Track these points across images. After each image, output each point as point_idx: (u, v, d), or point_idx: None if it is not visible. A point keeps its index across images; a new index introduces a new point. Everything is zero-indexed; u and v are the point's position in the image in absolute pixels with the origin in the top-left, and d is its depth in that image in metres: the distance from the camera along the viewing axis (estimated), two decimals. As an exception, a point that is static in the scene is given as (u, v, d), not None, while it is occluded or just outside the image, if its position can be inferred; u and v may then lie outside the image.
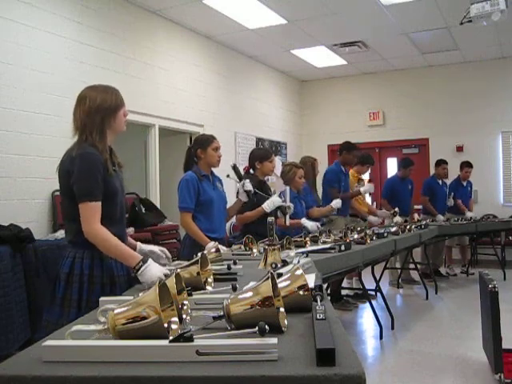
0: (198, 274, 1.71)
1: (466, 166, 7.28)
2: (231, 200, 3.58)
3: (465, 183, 7.38)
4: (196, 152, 3.30)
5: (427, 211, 7.00)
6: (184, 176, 3.25)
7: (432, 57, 8.08)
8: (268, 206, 3.61)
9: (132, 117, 5.20)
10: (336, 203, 4.83)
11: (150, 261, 1.95)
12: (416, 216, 6.49)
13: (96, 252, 2.01)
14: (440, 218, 6.83)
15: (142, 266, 1.91)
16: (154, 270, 1.90)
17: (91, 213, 1.96)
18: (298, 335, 1.15)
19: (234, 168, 3.44)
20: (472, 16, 4.91)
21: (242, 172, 3.72)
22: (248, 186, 3.39)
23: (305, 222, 4.18)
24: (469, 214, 7.12)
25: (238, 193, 3.44)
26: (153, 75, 5.84)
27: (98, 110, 2.05)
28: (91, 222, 1.96)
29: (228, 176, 3.48)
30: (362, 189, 5.40)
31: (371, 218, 5.79)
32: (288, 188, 4.03)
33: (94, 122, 2.04)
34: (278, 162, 8.18)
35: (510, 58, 8.06)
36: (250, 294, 1.18)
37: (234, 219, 3.92)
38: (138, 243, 2.32)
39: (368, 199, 6.42)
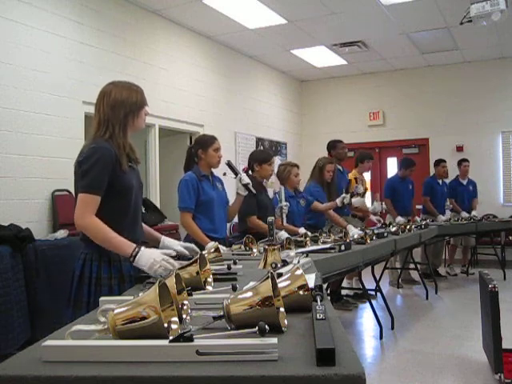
0: (198, 273, 1.71)
1: (464, 160, 7.35)
2: (232, 199, 3.60)
3: (465, 182, 7.38)
4: (197, 152, 3.31)
5: (427, 211, 7.00)
6: (183, 176, 3.26)
7: (432, 57, 8.08)
8: (280, 236, 3.54)
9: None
10: (340, 200, 4.88)
11: (143, 248, 1.93)
12: (417, 219, 6.48)
13: (104, 252, 2.01)
14: (441, 217, 6.82)
15: (137, 254, 1.89)
16: (148, 254, 1.89)
17: (85, 205, 1.95)
18: (298, 335, 1.15)
19: (229, 164, 3.36)
20: (472, 16, 4.91)
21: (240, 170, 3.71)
22: (245, 179, 3.31)
23: (302, 231, 4.12)
24: (464, 214, 7.04)
25: (237, 188, 3.43)
26: (153, 75, 5.84)
27: (122, 105, 2.05)
28: (83, 215, 1.94)
29: (225, 174, 3.48)
30: (353, 200, 5.28)
31: (372, 217, 5.76)
32: (283, 188, 4.06)
33: (118, 117, 2.04)
34: (277, 162, 8.19)
35: (510, 58, 8.06)
36: (249, 293, 1.18)
37: (236, 219, 3.91)
38: (163, 237, 2.30)
39: (368, 200, 6.40)
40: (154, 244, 2.33)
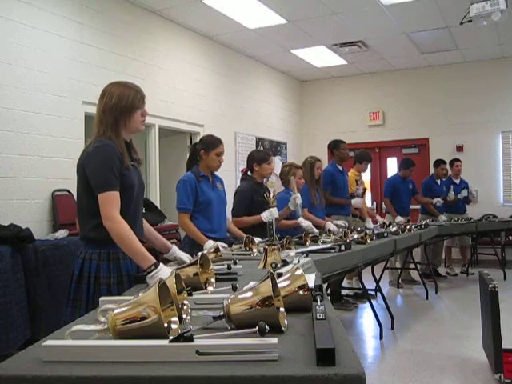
0: (197, 274, 1.71)
1: (456, 160, 7.36)
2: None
3: (458, 181, 7.38)
4: (199, 152, 3.31)
5: (427, 211, 7.00)
6: (182, 177, 3.26)
7: (432, 57, 8.08)
8: (266, 216, 3.61)
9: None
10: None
11: (161, 265, 1.94)
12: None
13: (103, 252, 2.02)
14: (442, 217, 6.81)
15: (153, 270, 1.89)
16: (164, 275, 1.87)
17: (109, 202, 1.96)
18: (298, 335, 1.15)
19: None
20: (472, 16, 4.92)
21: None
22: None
23: (301, 221, 4.19)
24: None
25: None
26: (153, 75, 5.84)
27: (112, 109, 2.05)
28: (110, 210, 1.95)
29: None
30: (353, 201, 5.48)
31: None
32: (293, 178, 4.13)
33: (109, 119, 2.05)
34: (277, 162, 8.19)
35: (510, 58, 8.06)
36: (250, 293, 1.18)
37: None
38: (174, 246, 2.35)
39: (368, 200, 6.41)
40: (162, 251, 2.37)
